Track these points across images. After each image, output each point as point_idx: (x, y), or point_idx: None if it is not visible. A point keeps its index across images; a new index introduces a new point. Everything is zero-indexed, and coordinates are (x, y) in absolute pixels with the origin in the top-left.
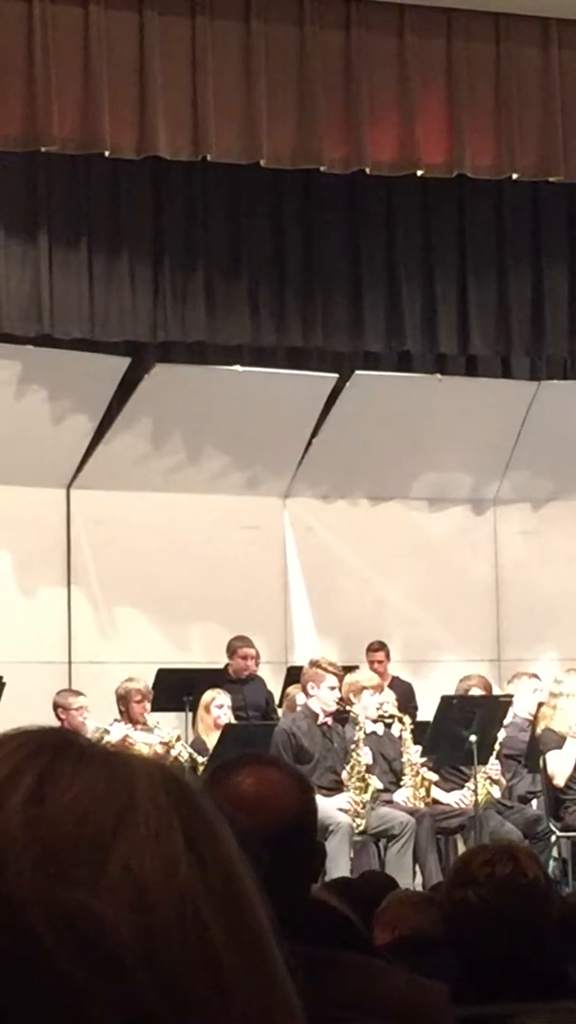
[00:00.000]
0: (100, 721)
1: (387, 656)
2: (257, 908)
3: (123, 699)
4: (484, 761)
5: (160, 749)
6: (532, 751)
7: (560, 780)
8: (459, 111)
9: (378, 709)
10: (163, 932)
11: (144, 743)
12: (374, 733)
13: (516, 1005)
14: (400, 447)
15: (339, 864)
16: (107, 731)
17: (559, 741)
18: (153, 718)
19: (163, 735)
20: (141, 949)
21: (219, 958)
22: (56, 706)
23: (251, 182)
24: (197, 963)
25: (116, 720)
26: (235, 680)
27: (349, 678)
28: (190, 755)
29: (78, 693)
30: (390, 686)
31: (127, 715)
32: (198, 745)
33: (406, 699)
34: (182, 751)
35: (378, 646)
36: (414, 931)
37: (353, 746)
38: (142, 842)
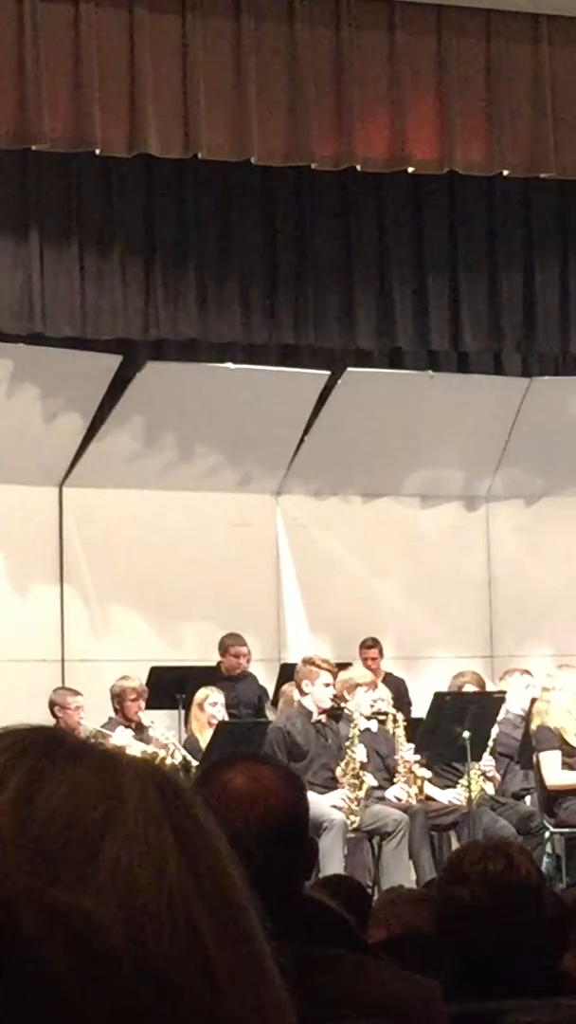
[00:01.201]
0: (95, 720)
1: (380, 653)
2: (247, 906)
3: (118, 697)
4: (478, 758)
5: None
6: (525, 747)
7: (552, 781)
8: (450, 108)
9: (372, 706)
10: (153, 931)
11: (143, 751)
12: (368, 730)
13: (509, 1002)
14: (392, 444)
15: (333, 861)
16: (103, 733)
17: (553, 739)
18: (147, 716)
19: (160, 737)
20: (131, 948)
21: (209, 956)
22: (53, 704)
23: (242, 179)
24: (187, 961)
25: (111, 718)
26: (227, 677)
27: (343, 675)
28: (184, 758)
29: (76, 693)
30: (383, 682)
31: (121, 713)
32: (191, 743)
33: (399, 695)
34: (175, 750)
35: (371, 643)
36: (408, 928)
37: (347, 743)
38: (131, 841)
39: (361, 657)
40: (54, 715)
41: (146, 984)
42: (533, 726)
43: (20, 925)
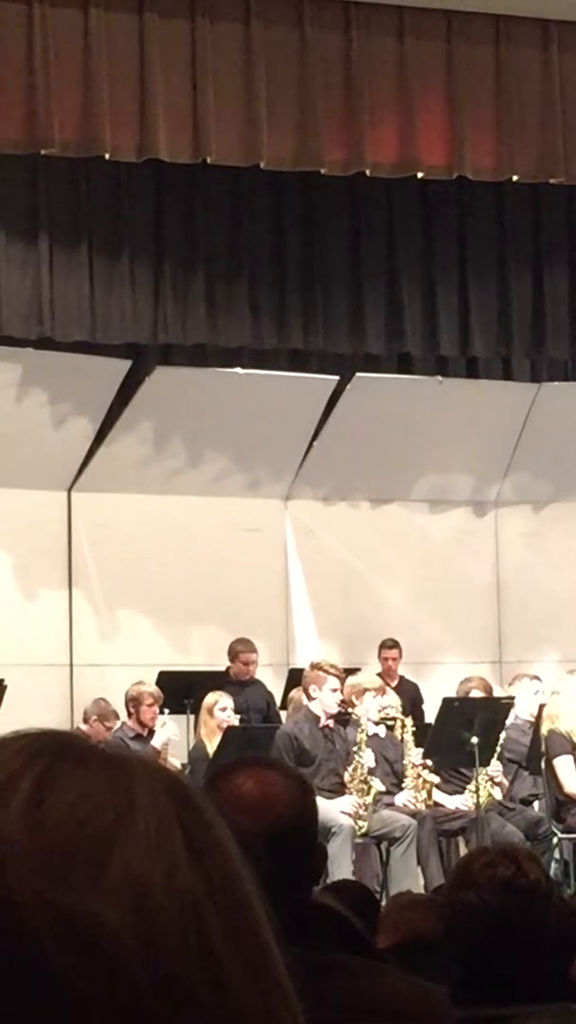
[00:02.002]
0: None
1: (400, 654)
2: (257, 910)
3: (134, 701)
4: (486, 763)
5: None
6: (534, 752)
7: (570, 788)
8: (459, 113)
9: (380, 711)
10: (163, 934)
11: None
12: (376, 735)
13: (517, 1007)
14: (401, 449)
15: (341, 866)
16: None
17: (565, 744)
18: (160, 721)
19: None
20: (141, 951)
21: (219, 960)
22: (90, 713)
23: (251, 184)
24: (197, 965)
25: (124, 723)
26: (236, 682)
27: (351, 680)
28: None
29: (118, 716)
30: (397, 686)
31: (136, 717)
32: (199, 749)
33: (413, 700)
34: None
35: (392, 643)
36: (416, 933)
37: (355, 748)
38: (142, 844)
39: (381, 657)
40: (87, 723)
41: (155, 987)
42: (544, 731)
43: (29, 927)
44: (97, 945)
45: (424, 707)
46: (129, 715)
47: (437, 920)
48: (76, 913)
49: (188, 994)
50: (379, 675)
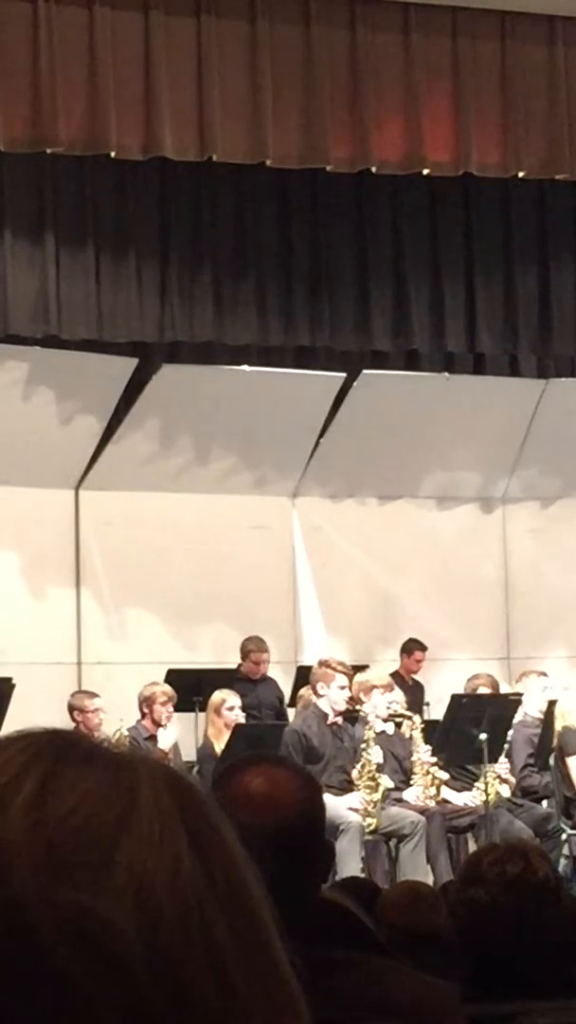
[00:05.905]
0: (110, 722)
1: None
2: (261, 908)
3: (147, 701)
4: (494, 760)
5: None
6: (543, 749)
7: None
8: (465, 110)
9: (388, 708)
10: (167, 933)
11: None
12: (384, 732)
13: (526, 1004)
14: (408, 446)
15: (350, 864)
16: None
17: None
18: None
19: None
20: (145, 950)
21: (223, 958)
22: (71, 708)
23: (257, 182)
24: (201, 964)
25: (137, 722)
26: (247, 680)
27: (359, 677)
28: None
29: (93, 695)
30: (413, 686)
31: (150, 717)
32: (207, 748)
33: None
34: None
35: (424, 646)
36: (421, 927)
37: (363, 745)
38: (145, 843)
39: (414, 659)
40: (73, 719)
41: (160, 986)
42: (557, 727)
43: (34, 927)
44: (101, 944)
45: (428, 704)
46: (143, 716)
47: (446, 917)
48: (80, 912)
49: (192, 992)
50: (409, 676)
